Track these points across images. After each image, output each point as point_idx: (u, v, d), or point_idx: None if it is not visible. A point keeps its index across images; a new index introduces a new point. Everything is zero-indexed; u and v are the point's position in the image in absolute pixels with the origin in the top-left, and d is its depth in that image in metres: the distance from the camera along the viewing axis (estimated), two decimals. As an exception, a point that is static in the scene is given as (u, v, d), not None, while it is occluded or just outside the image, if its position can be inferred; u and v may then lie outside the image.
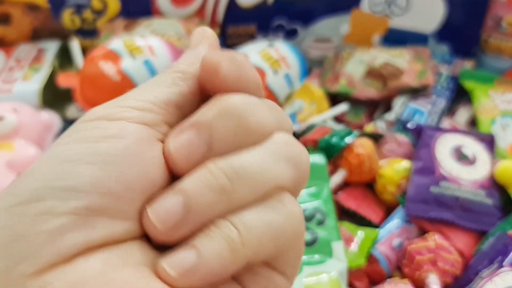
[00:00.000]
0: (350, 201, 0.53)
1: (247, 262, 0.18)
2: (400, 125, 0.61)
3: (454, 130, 0.57)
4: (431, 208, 0.49)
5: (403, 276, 0.46)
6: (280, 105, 0.57)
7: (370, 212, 0.52)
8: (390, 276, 0.46)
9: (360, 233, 0.48)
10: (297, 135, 0.56)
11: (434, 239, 0.46)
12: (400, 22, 0.70)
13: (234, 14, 0.67)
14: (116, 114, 0.19)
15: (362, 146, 0.53)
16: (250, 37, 0.72)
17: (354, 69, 0.68)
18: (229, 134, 0.19)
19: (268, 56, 0.62)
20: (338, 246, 0.45)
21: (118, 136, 0.18)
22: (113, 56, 0.58)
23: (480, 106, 0.62)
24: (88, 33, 0.71)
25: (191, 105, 0.21)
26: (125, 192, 0.18)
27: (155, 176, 0.19)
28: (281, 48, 0.65)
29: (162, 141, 0.19)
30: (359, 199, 0.53)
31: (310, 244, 0.44)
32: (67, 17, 0.70)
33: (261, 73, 0.59)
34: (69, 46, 0.70)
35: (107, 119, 0.19)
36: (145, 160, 0.18)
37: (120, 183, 0.18)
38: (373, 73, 0.67)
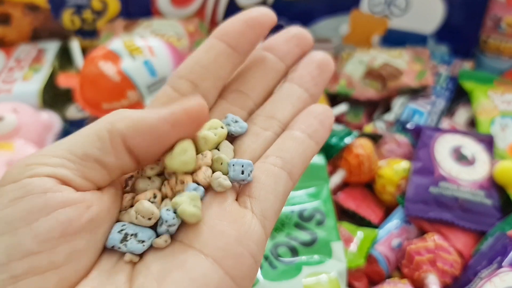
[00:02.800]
0: (350, 202, 0.53)
1: None
2: (400, 125, 0.61)
3: (453, 130, 0.57)
4: (430, 208, 0.49)
5: (402, 276, 0.46)
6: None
7: (370, 212, 0.52)
8: (389, 276, 0.47)
9: (360, 234, 0.48)
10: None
11: (433, 239, 0.46)
12: (400, 23, 0.70)
13: (234, 14, 0.67)
14: (25, 172, 0.22)
15: (362, 147, 0.53)
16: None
17: (354, 70, 0.68)
18: None
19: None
20: (337, 247, 0.45)
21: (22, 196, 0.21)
22: (113, 57, 0.58)
23: (479, 107, 0.62)
24: (88, 33, 0.71)
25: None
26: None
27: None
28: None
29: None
30: (358, 199, 0.53)
31: (309, 244, 0.44)
32: (67, 18, 0.70)
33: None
34: (69, 46, 0.70)
35: (13, 181, 0.22)
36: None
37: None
38: (372, 74, 0.67)
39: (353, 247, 0.47)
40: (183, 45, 0.67)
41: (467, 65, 0.69)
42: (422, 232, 0.49)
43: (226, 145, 0.28)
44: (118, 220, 0.25)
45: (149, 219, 0.24)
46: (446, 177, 0.51)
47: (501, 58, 0.68)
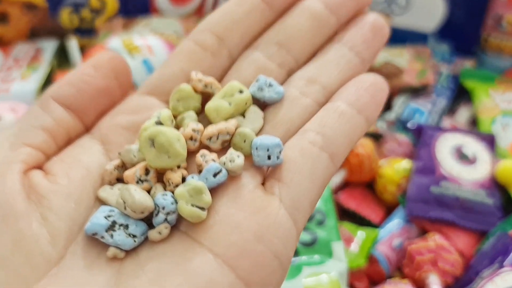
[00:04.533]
0: (350, 201, 0.53)
1: None
2: (400, 124, 0.61)
3: (455, 129, 0.57)
4: (431, 208, 0.49)
5: (403, 276, 0.46)
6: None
7: (370, 212, 0.52)
8: (390, 277, 0.47)
9: (360, 234, 0.48)
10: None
11: (435, 239, 0.45)
12: (400, 21, 0.70)
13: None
14: None
15: (362, 146, 0.53)
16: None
17: (354, 69, 0.68)
18: None
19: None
20: (338, 247, 0.45)
21: None
22: (112, 56, 0.58)
23: (481, 106, 0.62)
24: (86, 32, 0.71)
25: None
26: None
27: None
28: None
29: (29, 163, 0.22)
30: (359, 199, 0.53)
31: (309, 244, 0.44)
32: (65, 16, 0.70)
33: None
34: (67, 45, 0.70)
35: None
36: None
37: None
38: (373, 72, 0.67)
39: (354, 247, 0.47)
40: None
41: (468, 63, 0.69)
42: (423, 232, 0.49)
43: (254, 112, 0.24)
44: (100, 200, 0.22)
45: (142, 212, 0.21)
46: (447, 177, 0.51)
47: (502, 57, 0.68)
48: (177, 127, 0.24)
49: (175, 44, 0.64)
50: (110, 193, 0.22)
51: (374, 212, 0.52)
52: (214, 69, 0.26)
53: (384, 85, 0.25)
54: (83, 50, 0.68)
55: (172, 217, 0.20)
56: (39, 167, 0.22)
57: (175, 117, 0.24)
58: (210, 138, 0.23)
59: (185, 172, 0.22)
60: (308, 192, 0.21)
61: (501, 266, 0.41)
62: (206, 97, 0.25)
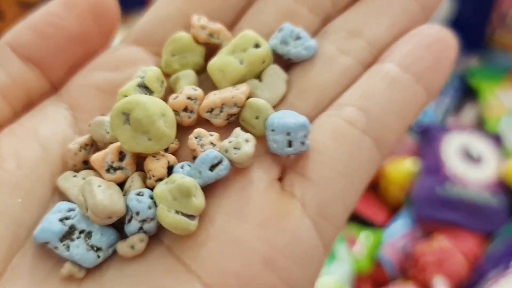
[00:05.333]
0: (353, 202, 0.52)
1: None
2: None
3: (460, 129, 0.57)
4: (437, 209, 0.48)
5: (408, 278, 0.46)
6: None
7: (373, 212, 0.52)
8: (395, 279, 0.46)
9: (365, 236, 0.47)
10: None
11: (440, 241, 0.45)
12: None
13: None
14: None
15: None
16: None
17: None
18: None
19: None
20: (341, 248, 0.45)
21: None
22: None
23: (487, 105, 0.61)
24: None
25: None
26: None
27: None
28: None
29: None
30: (362, 199, 0.53)
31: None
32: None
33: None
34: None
35: None
36: None
37: None
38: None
39: (358, 249, 0.46)
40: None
41: (474, 61, 0.69)
42: (428, 234, 0.49)
43: (274, 74, 0.17)
44: (60, 192, 0.16)
45: (108, 217, 0.15)
46: (453, 177, 0.50)
47: (508, 54, 0.68)
48: (170, 90, 0.18)
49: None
50: (73, 182, 0.16)
51: (377, 213, 0.52)
52: (224, 12, 0.20)
53: (452, 41, 0.18)
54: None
55: (150, 226, 0.15)
56: None
57: (168, 76, 0.18)
58: (211, 111, 0.17)
59: (172, 159, 0.16)
60: (343, 193, 0.15)
61: (507, 268, 0.41)
62: (211, 50, 0.19)
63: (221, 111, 0.17)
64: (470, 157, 0.52)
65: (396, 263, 0.46)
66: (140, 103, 0.15)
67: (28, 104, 0.18)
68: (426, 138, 0.54)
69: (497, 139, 0.54)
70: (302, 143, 0.15)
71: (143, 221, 0.15)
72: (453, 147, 0.52)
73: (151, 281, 0.14)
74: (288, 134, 0.15)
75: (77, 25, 0.18)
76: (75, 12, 0.18)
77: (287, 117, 0.16)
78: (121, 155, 0.16)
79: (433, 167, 0.51)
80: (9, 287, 0.14)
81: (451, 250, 0.44)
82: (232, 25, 0.20)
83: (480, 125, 0.61)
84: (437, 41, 0.18)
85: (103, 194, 0.14)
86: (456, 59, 0.18)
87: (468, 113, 0.63)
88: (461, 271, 0.44)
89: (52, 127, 0.17)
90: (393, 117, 0.17)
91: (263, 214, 0.15)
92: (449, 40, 0.18)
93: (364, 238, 0.46)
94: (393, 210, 0.52)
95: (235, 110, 0.17)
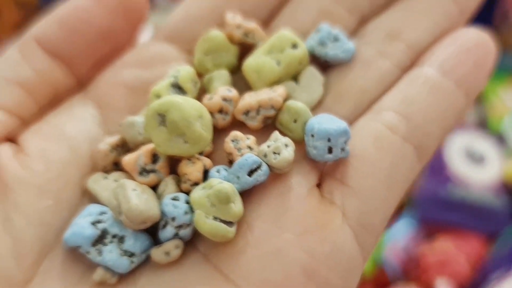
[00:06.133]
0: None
1: None
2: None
3: (463, 129, 0.57)
4: (439, 210, 0.48)
5: (410, 280, 0.46)
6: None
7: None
8: (397, 280, 0.46)
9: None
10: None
11: (442, 242, 0.45)
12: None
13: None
14: None
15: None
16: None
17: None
18: None
19: None
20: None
21: None
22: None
23: (490, 105, 0.62)
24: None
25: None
26: None
27: None
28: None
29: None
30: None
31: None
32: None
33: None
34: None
35: None
36: None
37: None
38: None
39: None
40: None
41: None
42: (431, 235, 0.49)
43: (312, 76, 0.17)
44: (89, 194, 0.16)
45: (143, 223, 0.14)
46: (456, 178, 0.50)
47: (510, 54, 0.68)
48: (203, 91, 0.18)
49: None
50: (103, 185, 0.16)
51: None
52: (259, 10, 0.19)
53: (491, 46, 0.18)
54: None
55: (186, 232, 0.14)
56: (11, 138, 0.16)
57: (200, 76, 0.18)
58: (247, 113, 0.16)
59: (208, 162, 0.16)
60: (384, 202, 0.15)
61: (509, 269, 0.41)
62: (245, 49, 0.18)
63: (257, 114, 0.16)
64: (473, 158, 0.52)
65: (398, 265, 0.46)
66: (176, 104, 0.14)
67: (54, 101, 0.18)
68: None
69: (500, 139, 0.54)
70: (342, 149, 0.15)
71: (179, 227, 0.14)
72: (456, 148, 0.52)
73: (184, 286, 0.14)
74: (329, 140, 0.15)
75: (106, 20, 0.18)
76: (105, 6, 0.18)
77: (328, 123, 0.15)
78: (154, 158, 0.15)
79: (436, 168, 0.51)
80: (43, 273, 0.14)
81: (454, 251, 0.44)
82: (266, 22, 0.19)
83: (483, 125, 0.61)
84: (477, 45, 0.18)
85: (138, 198, 0.14)
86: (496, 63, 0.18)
87: (471, 113, 0.63)
88: (464, 272, 0.44)
89: (80, 126, 0.17)
90: (434, 124, 0.16)
91: (303, 223, 0.14)
92: (489, 44, 0.18)
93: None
94: (395, 212, 0.52)
95: (272, 113, 0.16)
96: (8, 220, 0.14)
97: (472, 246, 0.46)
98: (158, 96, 0.16)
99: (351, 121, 0.17)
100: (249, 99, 0.16)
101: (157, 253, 0.14)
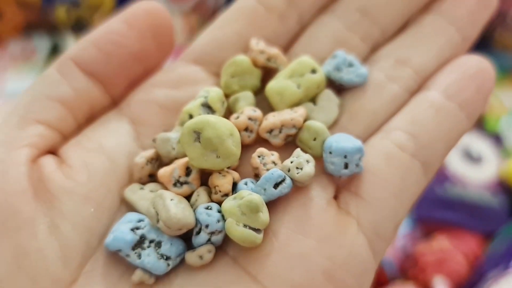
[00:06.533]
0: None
1: None
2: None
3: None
4: (436, 209, 0.49)
5: (408, 278, 0.46)
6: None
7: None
8: (395, 279, 0.47)
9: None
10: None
11: (439, 241, 0.45)
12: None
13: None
14: None
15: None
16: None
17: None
18: None
19: None
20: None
21: None
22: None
23: (487, 104, 0.62)
24: (82, 28, 0.71)
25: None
26: None
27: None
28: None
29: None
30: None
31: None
32: (61, 13, 0.69)
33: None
34: (62, 42, 0.70)
35: None
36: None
37: None
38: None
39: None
40: (181, 41, 0.67)
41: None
42: (428, 234, 0.49)
43: (328, 98, 0.19)
44: (127, 203, 0.17)
45: (179, 229, 0.16)
46: (453, 178, 0.50)
47: (508, 54, 0.68)
48: (229, 110, 0.19)
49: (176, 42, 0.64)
50: (140, 195, 0.17)
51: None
52: (280, 37, 0.21)
53: (492, 73, 0.20)
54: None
55: (217, 238, 0.16)
56: (53, 151, 0.18)
57: (227, 96, 0.20)
58: (270, 131, 0.18)
59: (236, 175, 0.17)
60: (394, 213, 0.17)
61: (507, 268, 0.41)
62: (267, 72, 0.20)
63: (280, 132, 0.18)
64: (470, 157, 0.52)
65: (396, 263, 0.46)
66: (211, 123, 0.16)
67: (91, 117, 0.19)
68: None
69: (497, 138, 0.54)
70: (357, 165, 0.17)
71: (212, 233, 0.16)
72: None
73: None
74: (345, 157, 0.17)
75: (137, 43, 0.19)
76: (136, 30, 0.19)
77: (344, 141, 0.17)
78: (188, 171, 0.17)
79: (433, 167, 0.51)
80: (87, 276, 0.15)
81: (451, 250, 0.45)
82: (286, 48, 0.21)
83: (480, 125, 0.62)
84: (479, 72, 0.19)
85: (176, 208, 0.16)
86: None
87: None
88: (461, 271, 0.44)
89: (117, 140, 0.18)
90: (439, 143, 0.18)
91: (323, 230, 0.16)
92: (489, 71, 0.20)
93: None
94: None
95: (293, 131, 0.18)
96: (55, 226, 0.16)
97: (470, 245, 0.47)
98: (190, 114, 0.18)
99: (364, 139, 0.18)
100: (273, 119, 0.18)
101: (191, 257, 0.16)
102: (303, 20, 0.21)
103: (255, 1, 0.21)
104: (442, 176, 0.51)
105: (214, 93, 0.19)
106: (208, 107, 0.18)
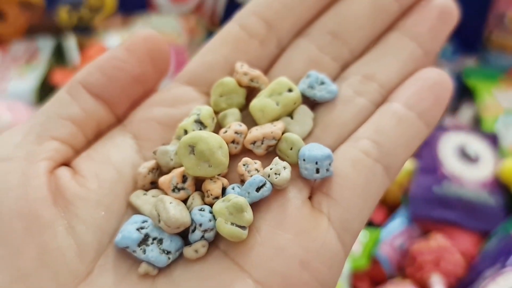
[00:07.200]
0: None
1: None
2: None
3: (457, 128, 0.57)
4: (434, 208, 0.49)
5: (405, 276, 0.46)
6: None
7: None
8: (392, 277, 0.47)
9: (363, 234, 0.48)
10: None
11: (437, 239, 0.46)
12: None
13: (233, 11, 0.67)
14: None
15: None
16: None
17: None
18: None
19: None
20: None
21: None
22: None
23: (484, 105, 0.62)
24: (84, 30, 0.71)
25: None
26: None
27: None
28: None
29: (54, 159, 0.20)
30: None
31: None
32: (63, 14, 0.70)
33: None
34: (64, 43, 0.70)
35: None
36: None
37: None
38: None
39: (356, 248, 0.47)
40: (181, 42, 0.67)
41: (471, 62, 0.69)
42: (425, 232, 0.49)
43: (303, 113, 0.22)
44: (132, 207, 0.20)
45: (177, 228, 0.19)
46: (450, 177, 0.51)
47: (505, 55, 0.68)
48: (218, 125, 0.22)
49: (175, 43, 0.64)
50: (144, 200, 0.20)
51: (375, 212, 0.52)
52: (261, 60, 0.23)
53: (449, 84, 0.22)
54: (81, 48, 0.68)
55: (210, 235, 0.19)
56: (67, 163, 0.20)
57: (216, 113, 0.23)
58: (254, 143, 0.21)
59: (225, 181, 0.20)
60: (360, 211, 0.19)
61: (504, 266, 0.41)
62: (251, 91, 0.23)
63: (262, 143, 0.21)
64: (467, 157, 0.53)
65: (393, 262, 0.46)
66: (203, 138, 0.19)
67: (98, 133, 0.22)
68: (424, 137, 0.54)
69: (493, 138, 0.55)
70: (327, 170, 0.20)
71: (205, 231, 0.19)
72: (450, 147, 0.53)
73: (212, 277, 0.18)
74: (316, 163, 0.19)
75: (137, 68, 0.22)
76: (135, 56, 0.22)
77: (315, 150, 0.20)
78: (184, 178, 0.20)
79: (430, 167, 0.52)
80: (98, 280, 0.18)
81: (448, 248, 0.45)
82: (267, 69, 0.24)
83: (477, 125, 0.62)
84: (436, 84, 0.22)
85: (174, 209, 0.19)
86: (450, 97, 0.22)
87: (465, 113, 0.64)
88: (458, 269, 0.45)
89: (122, 153, 0.21)
90: (400, 148, 0.20)
91: (299, 226, 0.19)
92: (446, 82, 0.22)
93: (362, 238, 0.47)
94: (391, 209, 0.52)
95: (273, 142, 0.21)
96: (71, 227, 0.18)
97: (467, 243, 0.47)
98: (185, 129, 0.21)
99: (334, 148, 0.21)
100: (256, 132, 0.21)
101: (188, 251, 0.19)
102: (281, 43, 0.23)
103: (239, 28, 0.23)
104: (439, 175, 0.51)
105: (205, 111, 0.21)
106: (200, 123, 0.21)
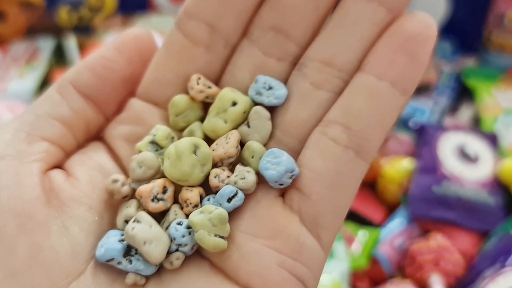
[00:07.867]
0: (351, 201, 0.53)
1: None
2: (402, 123, 0.61)
3: (457, 128, 0.57)
4: (433, 207, 0.49)
5: (404, 276, 0.47)
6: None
7: (371, 212, 0.52)
8: (391, 277, 0.47)
9: (362, 234, 0.48)
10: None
11: (436, 239, 0.46)
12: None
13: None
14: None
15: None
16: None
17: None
18: None
19: None
20: (339, 247, 0.45)
21: None
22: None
23: (483, 104, 0.62)
24: (85, 30, 0.71)
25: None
26: None
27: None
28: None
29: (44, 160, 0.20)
30: (360, 198, 0.53)
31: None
32: (64, 15, 0.70)
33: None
34: (65, 43, 0.70)
35: None
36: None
37: None
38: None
39: (355, 247, 0.47)
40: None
41: (471, 62, 0.69)
42: (425, 232, 0.49)
43: (258, 117, 0.21)
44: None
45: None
46: (449, 176, 0.51)
47: (505, 55, 0.68)
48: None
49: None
50: (123, 214, 0.20)
51: (375, 212, 0.52)
52: (211, 66, 0.22)
53: (429, 31, 0.18)
54: (81, 48, 0.68)
55: (185, 249, 0.19)
56: (58, 166, 0.20)
57: (181, 130, 0.22)
58: (215, 164, 0.21)
59: (201, 190, 0.20)
60: (332, 203, 0.18)
61: (503, 266, 0.41)
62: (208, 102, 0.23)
63: (222, 164, 0.21)
64: (467, 157, 0.53)
65: (393, 261, 0.46)
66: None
67: (87, 135, 0.22)
68: (423, 137, 0.55)
69: (493, 138, 0.55)
70: (291, 177, 0.19)
71: (179, 245, 0.19)
72: (449, 147, 0.53)
73: (200, 282, 0.18)
74: (276, 182, 0.19)
75: (127, 67, 0.21)
76: (125, 55, 0.21)
77: (273, 166, 0.19)
78: (164, 189, 0.20)
79: (430, 166, 0.52)
80: (90, 281, 0.18)
81: (448, 248, 0.45)
82: (220, 74, 0.22)
83: (477, 125, 0.62)
84: (410, 38, 0.18)
85: (152, 252, 0.18)
86: (435, 46, 0.19)
87: (465, 113, 0.64)
88: (457, 269, 0.45)
89: (111, 163, 0.21)
90: (373, 127, 0.19)
91: (269, 227, 0.19)
92: (424, 31, 0.18)
93: (362, 237, 0.47)
94: (390, 209, 0.52)
95: (232, 159, 0.21)
96: (65, 228, 0.18)
97: (466, 243, 0.47)
98: (139, 150, 0.21)
99: (299, 149, 0.20)
100: (213, 153, 0.20)
101: (165, 262, 0.19)
102: (230, 42, 0.22)
103: (182, 36, 0.21)
104: (439, 175, 0.51)
105: (161, 131, 0.21)
106: (156, 144, 0.21)
